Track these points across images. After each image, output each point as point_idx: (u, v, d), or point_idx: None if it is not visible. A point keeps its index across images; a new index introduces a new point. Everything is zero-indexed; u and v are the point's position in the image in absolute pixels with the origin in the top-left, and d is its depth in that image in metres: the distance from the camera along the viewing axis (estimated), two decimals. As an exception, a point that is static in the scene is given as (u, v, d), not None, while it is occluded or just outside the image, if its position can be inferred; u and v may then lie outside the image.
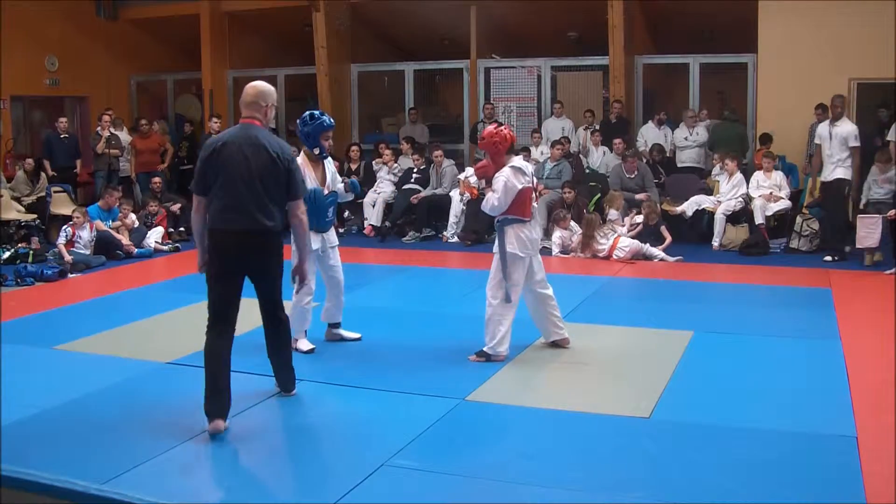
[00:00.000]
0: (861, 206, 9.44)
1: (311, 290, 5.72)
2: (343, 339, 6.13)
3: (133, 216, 10.62)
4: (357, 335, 6.17)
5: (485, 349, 5.66)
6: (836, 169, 9.22)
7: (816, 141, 9.61)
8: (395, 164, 12.01)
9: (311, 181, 5.62)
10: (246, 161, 4.36)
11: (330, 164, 5.89)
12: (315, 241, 5.64)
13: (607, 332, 6.45)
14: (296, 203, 4.55)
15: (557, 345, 5.93)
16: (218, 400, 4.36)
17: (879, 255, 8.96)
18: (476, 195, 11.25)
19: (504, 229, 5.59)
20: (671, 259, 9.51)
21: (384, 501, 3.65)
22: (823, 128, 9.46)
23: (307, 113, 5.75)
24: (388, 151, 12.10)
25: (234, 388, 4.45)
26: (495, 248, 5.67)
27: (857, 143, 9.17)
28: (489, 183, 5.68)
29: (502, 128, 5.76)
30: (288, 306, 5.01)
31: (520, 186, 5.56)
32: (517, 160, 5.70)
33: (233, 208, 4.36)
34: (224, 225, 4.40)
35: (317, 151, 5.69)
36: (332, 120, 5.64)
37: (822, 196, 9.75)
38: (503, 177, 5.54)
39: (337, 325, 6.15)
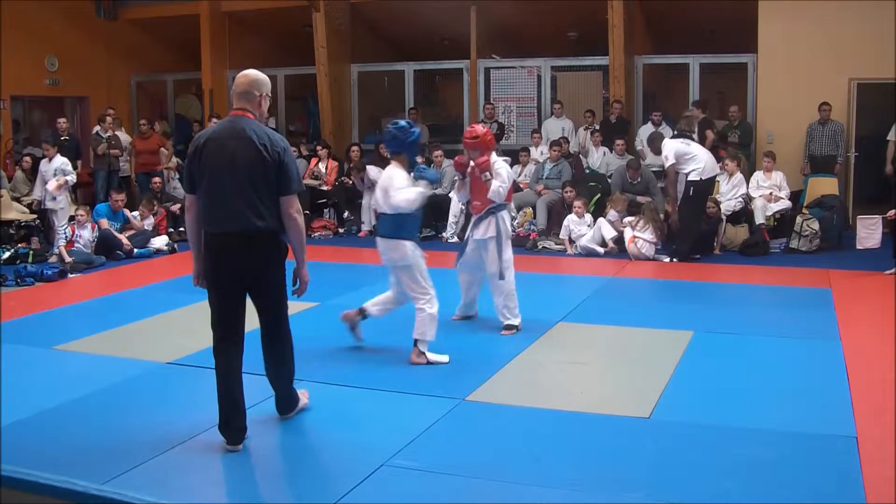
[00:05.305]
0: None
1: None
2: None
3: (151, 219, 10.67)
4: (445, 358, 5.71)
5: (511, 322, 6.27)
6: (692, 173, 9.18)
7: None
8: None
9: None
10: (231, 156, 4.06)
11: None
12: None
13: (607, 332, 6.45)
14: (288, 199, 4.15)
15: (468, 316, 6.66)
16: (231, 429, 4.19)
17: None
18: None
19: (499, 216, 6.27)
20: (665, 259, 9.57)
21: (384, 501, 3.64)
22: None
23: (404, 122, 5.74)
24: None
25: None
26: (480, 235, 6.32)
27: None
28: (493, 174, 6.20)
29: (484, 129, 6.41)
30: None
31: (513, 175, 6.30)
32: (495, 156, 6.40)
33: (218, 208, 4.08)
34: (211, 227, 4.14)
35: (420, 160, 5.82)
36: None
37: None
38: (504, 167, 6.29)
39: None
